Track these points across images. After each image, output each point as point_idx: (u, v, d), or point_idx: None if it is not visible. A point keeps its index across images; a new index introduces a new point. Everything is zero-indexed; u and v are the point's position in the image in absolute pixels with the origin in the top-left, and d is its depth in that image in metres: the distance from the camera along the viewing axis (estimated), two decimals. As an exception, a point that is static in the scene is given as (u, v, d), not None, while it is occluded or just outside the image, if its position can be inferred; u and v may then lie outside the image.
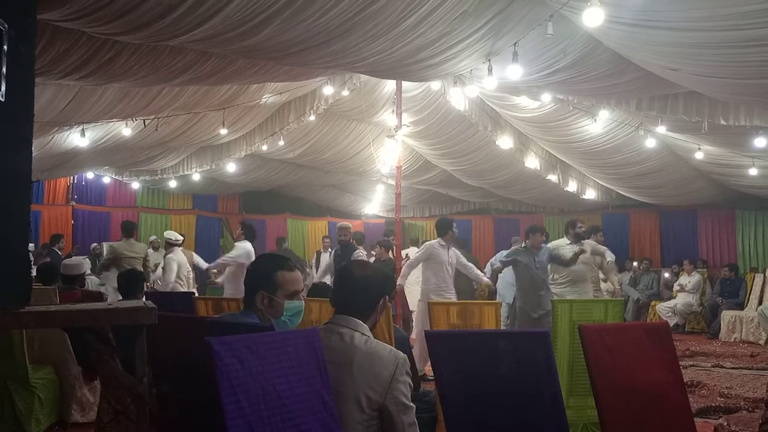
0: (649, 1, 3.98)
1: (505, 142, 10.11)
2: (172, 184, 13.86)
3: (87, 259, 9.10)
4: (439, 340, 2.65)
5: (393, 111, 9.35)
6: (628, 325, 4.21)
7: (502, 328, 9.55)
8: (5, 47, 2.53)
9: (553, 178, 11.60)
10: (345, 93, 9.28)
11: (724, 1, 4.05)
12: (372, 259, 9.64)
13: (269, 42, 4.94)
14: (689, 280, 11.86)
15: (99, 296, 5.68)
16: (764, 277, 11.00)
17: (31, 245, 10.37)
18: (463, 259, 8.10)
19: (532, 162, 10.92)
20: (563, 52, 5.73)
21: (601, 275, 8.91)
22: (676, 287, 12.02)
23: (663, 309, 11.65)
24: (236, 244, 8.35)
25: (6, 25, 2.52)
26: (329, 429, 2.17)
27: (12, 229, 2.55)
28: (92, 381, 5.40)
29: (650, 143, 9.24)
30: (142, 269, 7.68)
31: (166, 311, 2.71)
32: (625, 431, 2.58)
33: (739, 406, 6.10)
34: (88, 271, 8.09)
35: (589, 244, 8.11)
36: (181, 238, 9.17)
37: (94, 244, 12.80)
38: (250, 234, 8.33)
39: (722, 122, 7.10)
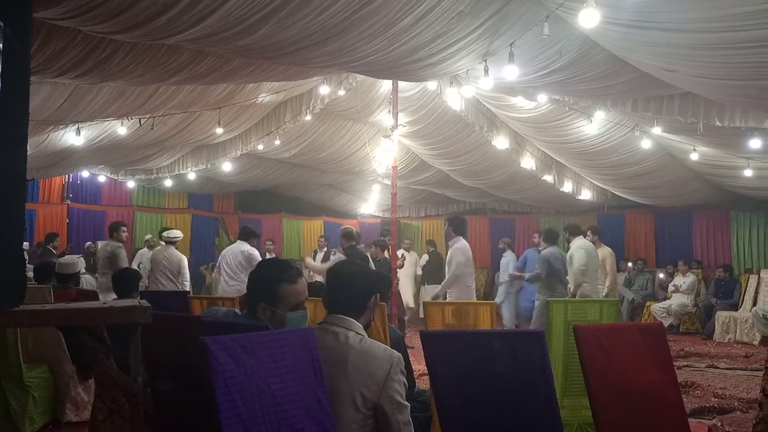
0: (646, 3, 3.99)
1: (500, 142, 10.12)
2: (168, 183, 13.83)
3: (82, 258, 9.08)
4: (434, 340, 2.66)
5: (389, 111, 9.34)
6: (622, 325, 4.22)
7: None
8: (0, 45, 2.53)
9: (548, 178, 11.62)
10: (341, 93, 9.27)
11: (721, 3, 4.06)
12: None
13: (265, 41, 4.93)
14: (684, 280, 11.90)
15: (94, 295, 5.67)
16: (758, 278, 11.04)
17: (26, 244, 10.35)
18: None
19: (527, 162, 10.93)
20: (559, 52, 5.74)
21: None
22: (670, 288, 12.06)
23: (658, 310, 11.69)
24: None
25: (2, 23, 2.52)
26: (324, 428, 2.17)
27: (7, 228, 2.55)
28: (87, 380, 5.40)
29: (646, 144, 9.26)
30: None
31: (161, 310, 2.70)
32: (619, 431, 2.59)
33: (733, 407, 6.12)
34: (83, 270, 8.07)
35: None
36: (178, 235, 9.09)
37: (89, 242, 12.77)
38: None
39: (717, 123, 7.11)
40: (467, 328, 4.23)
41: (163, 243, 8.78)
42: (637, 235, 14.54)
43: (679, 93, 6.88)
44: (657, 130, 8.45)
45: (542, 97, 7.84)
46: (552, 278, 8.07)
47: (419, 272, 13.24)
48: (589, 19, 4.00)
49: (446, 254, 8.25)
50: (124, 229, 8.52)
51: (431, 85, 8.53)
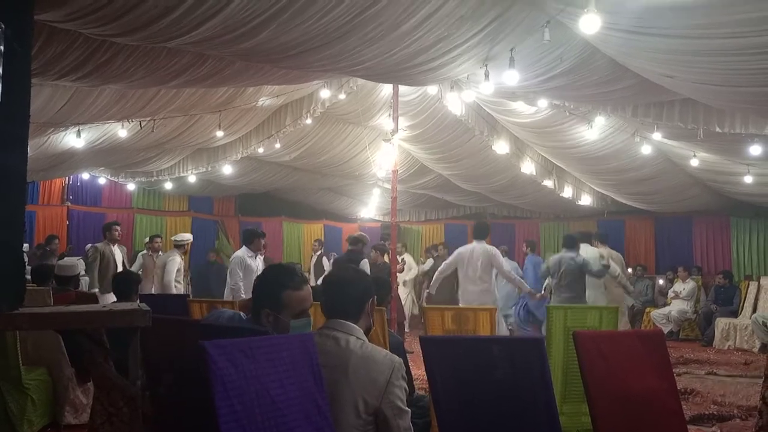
0: (647, 9, 3.99)
1: (501, 147, 10.13)
2: (168, 185, 13.83)
3: (81, 260, 9.08)
4: (433, 345, 2.66)
5: (389, 115, 9.35)
6: (622, 332, 4.22)
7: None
8: (1, 47, 2.54)
9: (548, 183, 11.62)
10: (342, 96, 9.27)
11: (722, 9, 4.06)
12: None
13: (267, 44, 4.93)
14: (684, 287, 11.89)
15: (93, 298, 5.66)
16: (758, 285, 11.03)
17: (26, 246, 10.34)
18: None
19: (527, 167, 10.94)
20: (560, 58, 5.74)
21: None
22: (670, 294, 12.05)
23: (657, 316, 11.68)
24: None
25: (2, 25, 2.52)
26: (323, 434, 2.17)
27: (6, 230, 2.55)
28: (85, 383, 5.39)
29: (646, 150, 9.27)
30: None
31: (160, 314, 2.70)
32: (618, 438, 2.59)
33: (733, 414, 6.11)
34: (83, 272, 8.05)
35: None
36: (184, 238, 9.03)
37: (89, 245, 12.74)
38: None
39: (717, 129, 7.12)
40: (467, 334, 4.23)
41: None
42: (637, 240, 14.53)
43: (680, 99, 6.88)
44: (657, 136, 8.46)
45: (543, 102, 7.85)
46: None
47: (408, 277, 13.13)
48: (589, 25, 4.00)
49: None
50: (117, 228, 8.47)
51: (432, 89, 8.53)
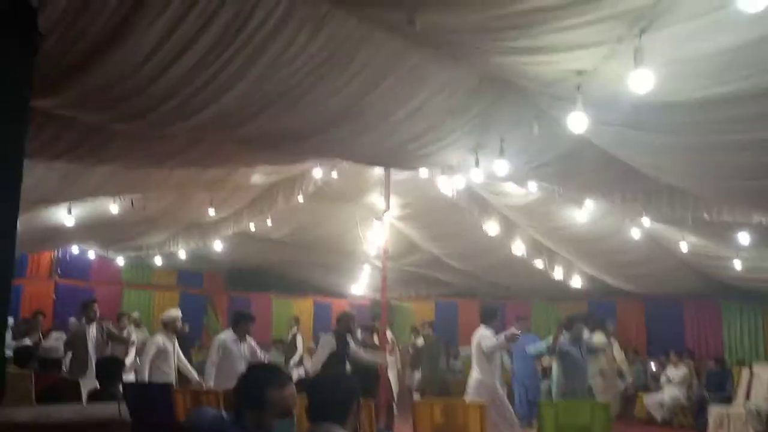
0: (638, 105, 4.06)
1: (491, 227, 10.16)
2: (158, 261, 13.74)
3: (65, 336, 8.88)
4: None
5: (381, 193, 9.41)
6: None
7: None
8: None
9: (539, 263, 11.62)
10: (334, 175, 9.33)
11: (711, 108, 4.13)
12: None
13: (261, 131, 5.02)
14: (676, 372, 11.75)
15: (75, 385, 5.48)
16: (751, 372, 10.89)
17: (10, 319, 10.14)
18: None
19: (518, 248, 10.95)
20: (549, 146, 5.82)
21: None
22: (662, 379, 11.89)
23: (650, 403, 11.50)
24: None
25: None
26: None
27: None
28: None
29: (635, 234, 9.32)
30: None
31: (142, 406, 2.63)
32: None
33: None
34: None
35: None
36: (174, 314, 8.13)
37: (72, 318, 12.53)
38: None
39: (706, 216, 7.18)
40: None
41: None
42: (628, 323, 14.39)
43: (668, 186, 6.97)
44: (646, 221, 8.51)
45: (532, 185, 7.94)
46: None
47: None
48: (577, 123, 4.06)
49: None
50: (95, 306, 8.24)
51: (423, 171, 8.62)
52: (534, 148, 5.95)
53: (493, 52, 4.04)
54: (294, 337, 13.41)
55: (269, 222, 10.92)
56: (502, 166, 5.70)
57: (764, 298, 12.03)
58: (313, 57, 4.02)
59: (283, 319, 16.52)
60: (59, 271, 13.73)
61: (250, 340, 7.59)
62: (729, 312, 13.17)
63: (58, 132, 5.10)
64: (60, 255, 13.75)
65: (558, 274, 12.07)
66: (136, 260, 14.25)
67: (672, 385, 11.62)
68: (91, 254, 13.82)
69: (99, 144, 5.55)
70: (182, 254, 12.83)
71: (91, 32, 3.34)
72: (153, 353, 7.50)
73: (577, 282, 12.61)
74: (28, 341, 8.60)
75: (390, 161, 6.75)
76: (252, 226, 10.97)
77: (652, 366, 12.61)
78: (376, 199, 10.18)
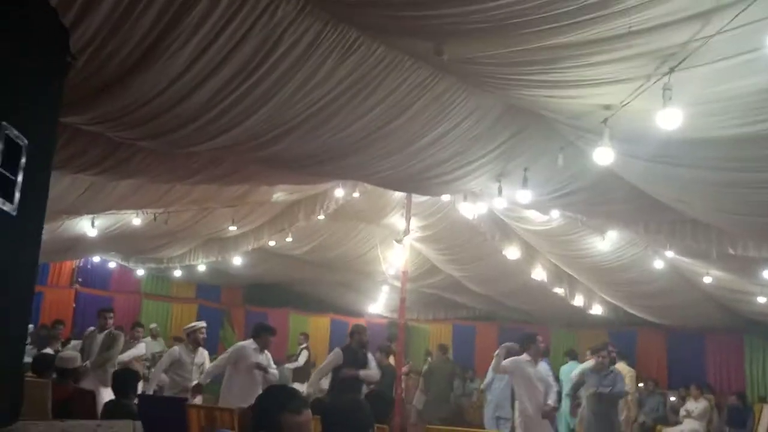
0: (667, 141, 4.01)
1: (512, 252, 10.09)
2: (177, 272, 13.82)
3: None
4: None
5: (402, 214, 9.40)
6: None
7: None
8: (23, 161, 2.58)
9: (559, 290, 11.50)
10: (356, 195, 9.34)
11: (741, 145, 4.08)
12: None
13: (285, 154, 5.03)
14: (696, 406, 11.49)
15: (91, 396, 5.51)
16: (772, 409, 10.67)
17: (30, 326, 10.20)
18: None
19: (539, 274, 10.86)
20: (574, 177, 5.77)
21: None
22: (682, 413, 11.64)
23: (670, 438, 11.27)
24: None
25: (26, 140, 2.57)
26: None
27: (6, 342, 2.49)
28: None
29: (658, 264, 9.20)
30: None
31: (156, 420, 2.61)
32: None
33: None
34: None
35: None
36: (191, 326, 7.92)
37: (91, 328, 12.59)
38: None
39: (730, 251, 7.08)
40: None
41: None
42: (650, 353, 14.13)
43: (692, 219, 6.88)
44: (670, 253, 8.40)
45: (555, 213, 7.88)
46: None
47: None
48: (603, 156, 4.02)
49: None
50: (109, 315, 8.12)
51: (445, 196, 8.60)
52: (558, 179, 5.91)
53: (518, 85, 4.02)
54: (301, 351, 13.22)
55: (289, 239, 10.94)
56: (525, 196, 5.66)
57: (788, 334, 11.82)
58: (339, 83, 4.03)
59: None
60: (80, 280, 13.87)
61: (268, 354, 7.52)
62: (752, 347, 12.92)
63: (85, 146, 5.16)
64: (81, 264, 13.89)
65: (578, 301, 11.94)
66: (156, 272, 14.36)
67: (691, 418, 11.36)
68: (112, 264, 13.95)
69: (124, 159, 5.60)
70: (202, 267, 12.90)
71: (122, 54, 3.37)
72: (167, 364, 7.48)
73: (597, 310, 12.45)
74: (49, 350, 8.61)
75: (412, 187, 6.73)
76: (272, 243, 11.00)
77: (672, 399, 12.37)
78: (396, 220, 10.18)
